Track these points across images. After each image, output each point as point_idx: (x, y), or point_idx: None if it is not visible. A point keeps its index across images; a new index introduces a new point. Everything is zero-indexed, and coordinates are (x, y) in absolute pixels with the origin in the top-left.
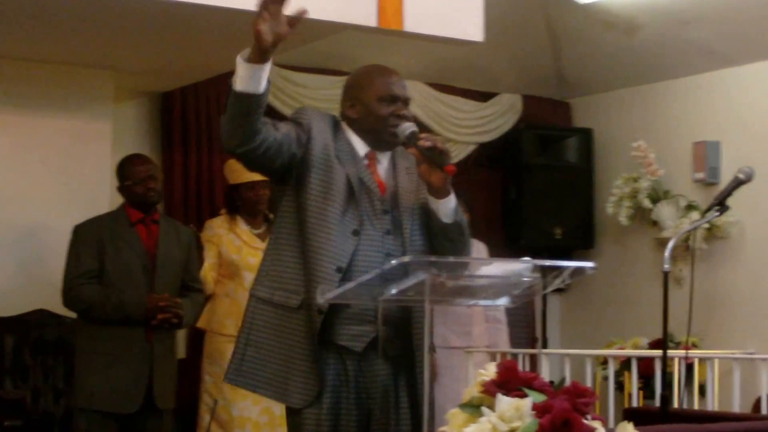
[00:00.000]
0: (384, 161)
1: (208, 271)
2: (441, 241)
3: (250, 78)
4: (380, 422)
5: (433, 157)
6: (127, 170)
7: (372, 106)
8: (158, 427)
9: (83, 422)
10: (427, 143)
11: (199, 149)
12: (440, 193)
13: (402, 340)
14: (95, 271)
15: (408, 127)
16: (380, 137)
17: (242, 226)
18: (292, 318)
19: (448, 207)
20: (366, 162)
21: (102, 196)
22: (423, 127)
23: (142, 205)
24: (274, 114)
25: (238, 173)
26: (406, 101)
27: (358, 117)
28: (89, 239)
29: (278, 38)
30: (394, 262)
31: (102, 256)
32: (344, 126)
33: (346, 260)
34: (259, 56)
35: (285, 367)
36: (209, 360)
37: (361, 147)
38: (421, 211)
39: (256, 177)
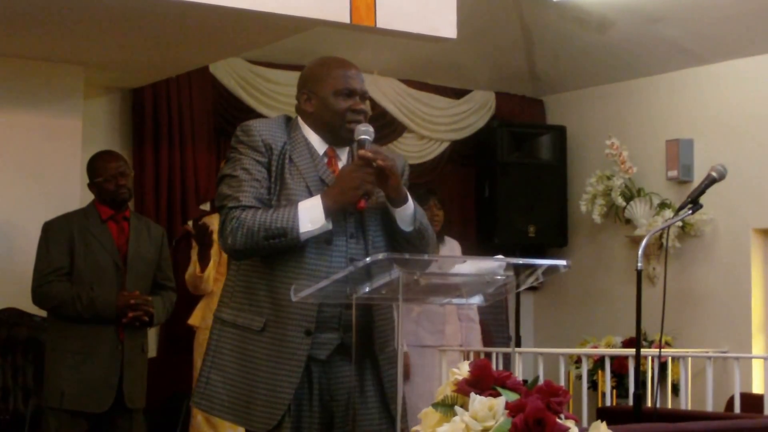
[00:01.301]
0: (343, 157)
1: (210, 270)
2: (403, 244)
3: (319, 231)
4: (343, 424)
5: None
6: (98, 167)
7: (328, 101)
8: (128, 426)
9: (53, 421)
10: (368, 155)
11: (171, 145)
12: (395, 202)
13: (364, 344)
14: (65, 268)
15: (361, 132)
16: (337, 133)
17: None
18: (255, 341)
19: (405, 214)
20: (326, 160)
21: (72, 193)
22: (397, 125)
23: (113, 202)
24: (244, 109)
25: None
26: (363, 95)
27: (313, 111)
28: (59, 236)
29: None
30: (368, 259)
31: (72, 253)
32: (300, 122)
33: (324, 277)
34: (340, 209)
35: (248, 391)
36: (201, 357)
37: (319, 144)
38: (381, 212)
39: None
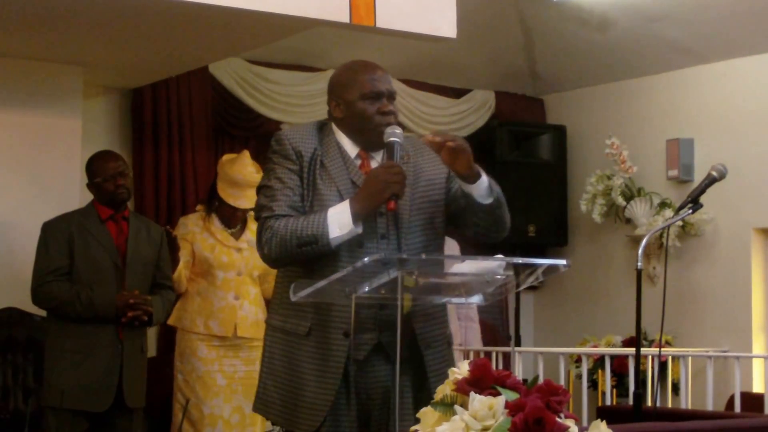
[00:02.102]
0: (378, 158)
1: (182, 270)
2: (484, 218)
3: (348, 235)
4: (379, 423)
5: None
6: (97, 167)
7: (356, 105)
8: (128, 426)
9: (53, 421)
10: (435, 140)
11: (170, 145)
12: (470, 179)
13: (404, 342)
14: (65, 268)
15: (390, 135)
16: (368, 137)
17: (216, 224)
18: (302, 344)
19: (482, 188)
20: (358, 163)
21: (71, 193)
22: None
23: (112, 202)
24: (243, 109)
25: (234, 197)
26: (391, 96)
27: (343, 117)
28: (59, 236)
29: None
30: (366, 259)
31: (72, 253)
32: (333, 127)
33: None
34: (368, 212)
35: (295, 395)
36: (180, 358)
37: (351, 148)
38: (425, 205)
39: (250, 206)
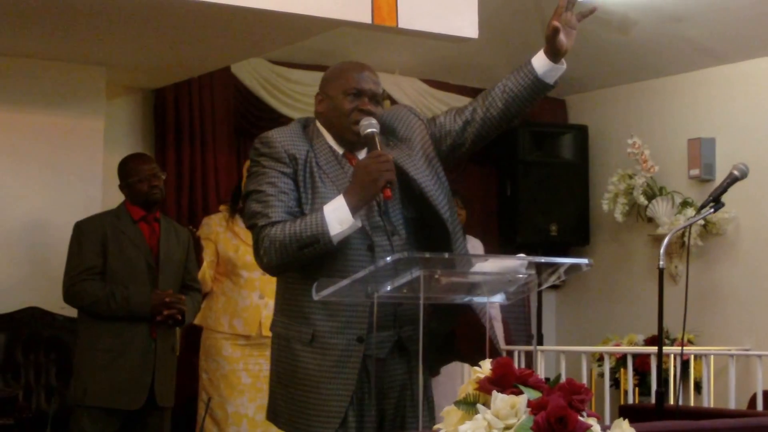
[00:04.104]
0: (361, 157)
1: (206, 269)
2: (530, 106)
3: (349, 230)
4: (394, 421)
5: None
6: (131, 168)
7: (336, 100)
8: (159, 425)
9: (86, 420)
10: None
11: (192, 146)
12: (561, 57)
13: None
14: (98, 267)
15: (366, 127)
16: (342, 133)
17: (240, 225)
18: (306, 351)
19: (561, 70)
20: (347, 162)
21: (94, 193)
22: None
23: (146, 203)
24: (265, 109)
25: None
26: (374, 97)
27: (323, 111)
28: (92, 236)
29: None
30: (388, 259)
31: (105, 252)
32: (318, 127)
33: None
34: (365, 204)
35: (303, 403)
36: (205, 357)
37: (337, 148)
38: (427, 171)
39: None
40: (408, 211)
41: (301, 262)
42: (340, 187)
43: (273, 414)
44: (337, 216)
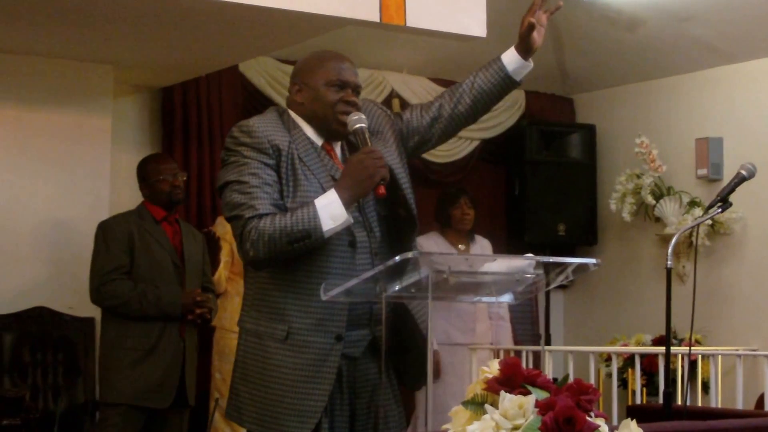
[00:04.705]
0: (337, 150)
1: (221, 270)
2: (494, 102)
3: (341, 226)
4: (366, 421)
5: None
6: (152, 167)
7: (319, 91)
8: (180, 423)
9: (116, 418)
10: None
11: (200, 145)
12: (531, 54)
13: (397, 338)
14: (126, 267)
15: (355, 122)
16: (327, 126)
17: None
18: (279, 349)
19: (529, 68)
20: (328, 157)
21: (102, 191)
22: None
23: (168, 202)
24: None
25: None
26: (356, 88)
27: (304, 102)
28: (119, 235)
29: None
30: (397, 258)
31: (132, 251)
32: (294, 117)
33: (352, 276)
34: (356, 200)
35: (275, 402)
36: (219, 357)
37: (316, 138)
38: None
39: None
40: (381, 207)
41: (289, 256)
42: (320, 180)
43: (236, 412)
44: (330, 211)
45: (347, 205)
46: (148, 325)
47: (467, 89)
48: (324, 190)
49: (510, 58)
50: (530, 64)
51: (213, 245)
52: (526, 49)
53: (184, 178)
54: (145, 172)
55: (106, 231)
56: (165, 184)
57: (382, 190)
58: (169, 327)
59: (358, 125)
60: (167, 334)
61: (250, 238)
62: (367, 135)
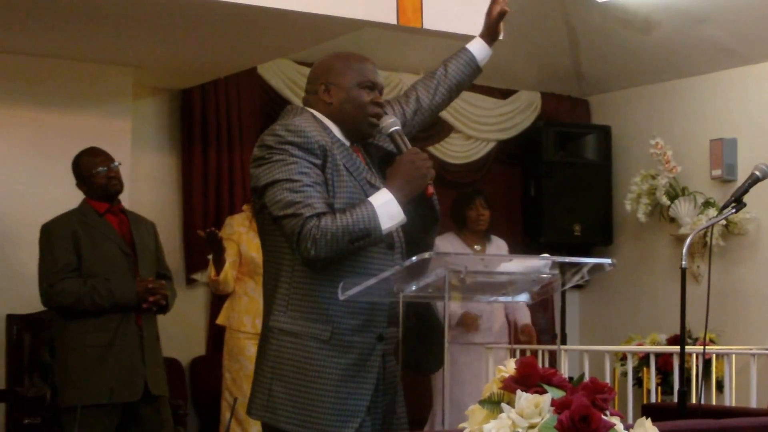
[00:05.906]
0: (362, 150)
1: (228, 270)
2: (461, 91)
3: (397, 225)
4: (386, 416)
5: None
6: (85, 163)
7: (352, 92)
8: (155, 415)
9: (86, 420)
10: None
11: (219, 146)
12: (496, 38)
13: (420, 323)
14: (74, 265)
15: (392, 124)
16: (357, 126)
17: None
18: (322, 349)
19: (490, 55)
20: (359, 159)
21: (122, 193)
22: (444, 125)
23: (106, 194)
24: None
25: None
26: (382, 90)
27: (332, 102)
28: (63, 234)
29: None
30: (414, 258)
31: (78, 249)
32: (319, 116)
33: None
34: (408, 199)
35: (315, 401)
36: (229, 357)
37: (344, 139)
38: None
39: None
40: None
41: (347, 254)
42: (358, 180)
43: (270, 412)
44: (388, 211)
45: (402, 204)
46: (105, 320)
47: (441, 80)
48: (364, 191)
49: (478, 48)
50: (491, 51)
51: (215, 245)
52: (493, 37)
53: (118, 166)
54: (79, 169)
55: (49, 233)
56: (101, 177)
57: (431, 189)
58: (125, 318)
59: (393, 128)
60: (124, 326)
61: (312, 237)
62: (404, 136)
